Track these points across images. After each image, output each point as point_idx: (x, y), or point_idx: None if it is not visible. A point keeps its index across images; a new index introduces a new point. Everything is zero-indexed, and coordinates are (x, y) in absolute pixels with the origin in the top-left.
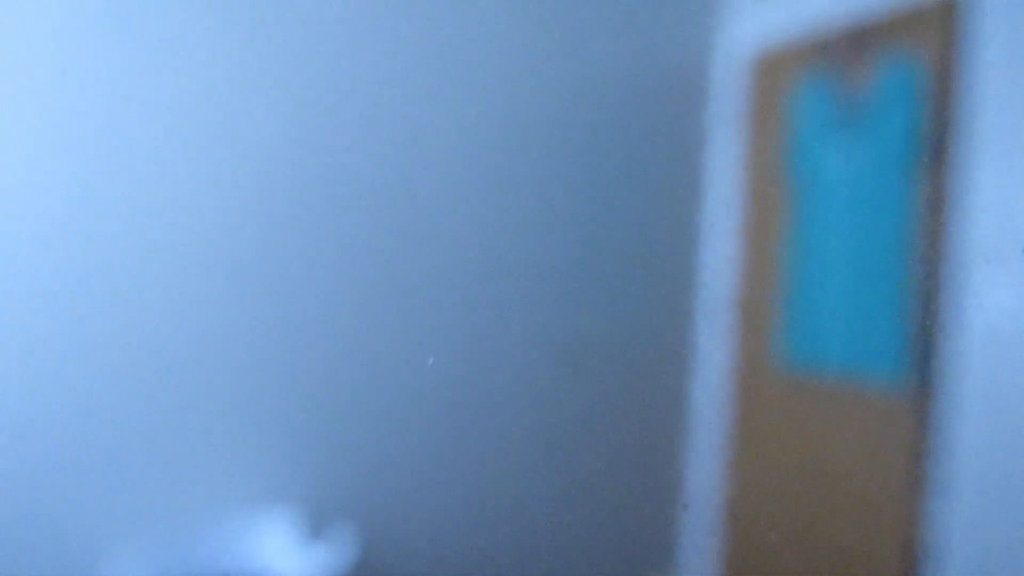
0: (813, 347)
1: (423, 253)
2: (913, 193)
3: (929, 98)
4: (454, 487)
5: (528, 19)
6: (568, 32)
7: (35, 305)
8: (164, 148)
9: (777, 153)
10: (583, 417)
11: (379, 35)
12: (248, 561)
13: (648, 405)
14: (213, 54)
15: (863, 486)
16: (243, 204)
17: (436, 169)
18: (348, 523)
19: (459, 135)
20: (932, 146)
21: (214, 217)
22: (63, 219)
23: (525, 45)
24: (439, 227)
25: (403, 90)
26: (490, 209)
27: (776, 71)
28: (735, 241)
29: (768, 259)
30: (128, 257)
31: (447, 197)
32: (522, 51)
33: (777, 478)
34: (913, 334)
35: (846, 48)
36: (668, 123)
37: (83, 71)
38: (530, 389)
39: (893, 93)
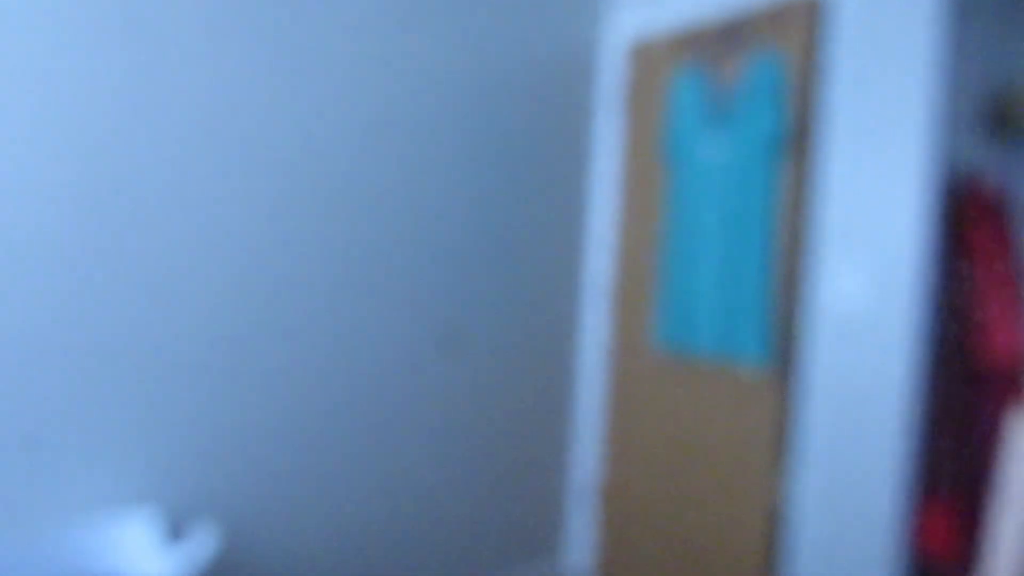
0: (685, 330)
1: (294, 239)
2: (776, 183)
3: (792, 92)
4: (325, 480)
5: (427, 11)
6: (460, 25)
7: None
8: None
9: (654, 141)
10: (465, 404)
11: (280, 23)
12: (108, 562)
13: (533, 390)
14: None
15: (730, 458)
16: (93, 198)
17: (322, 157)
18: (210, 522)
19: (356, 123)
20: (794, 138)
21: (66, 216)
22: None
23: (420, 37)
24: (315, 211)
25: (298, 77)
26: (375, 194)
27: (653, 62)
28: (615, 226)
29: (644, 244)
30: None
31: (332, 185)
32: (418, 43)
33: (651, 454)
34: (775, 318)
35: (717, 42)
36: (554, 113)
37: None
38: (412, 377)
39: (759, 86)
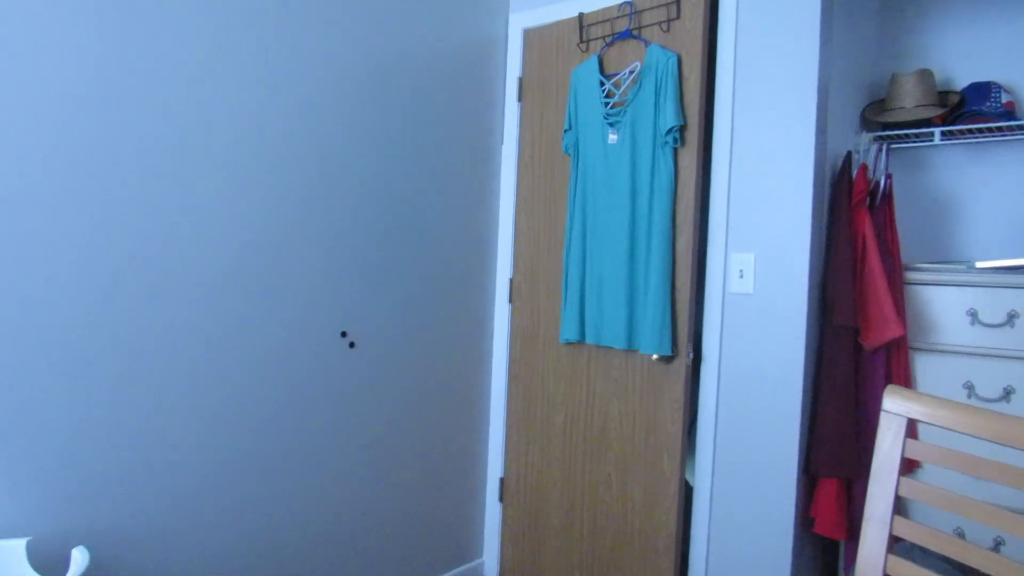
0: (591, 320)
1: (182, 233)
2: (673, 171)
3: (687, 82)
4: (224, 497)
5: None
6: (359, 13)
7: None
8: None
9: (555, 131)
10: (377, 407)
11: (170, 11)
12: None
13: (446, 390)
14: None
15: (640, 442)
16: None
17: (218, 149)
18: (88, 552)
19: (255, 117)
20: (689, 128)
21: None
22: None
23: (319, 26)
24: (205, 203)
25: (191, 70)
26: (276, 189)
27: (552, 50)
28: (522, 218)
29: (549, 237)
30: None
31: (228, 177)
32: (318, 33)
33: (561, 446)
34: (677, 302)
35: (614, 31)
36: (460, 102)
37: None
38: (321, 382)
39: (655, 76)
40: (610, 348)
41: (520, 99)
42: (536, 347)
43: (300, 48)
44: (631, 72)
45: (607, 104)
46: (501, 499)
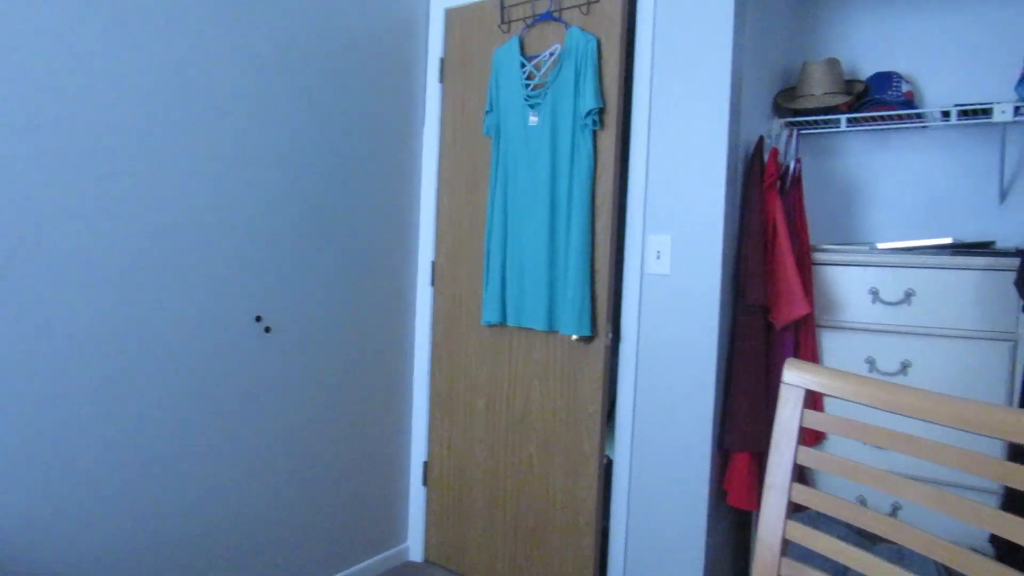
0: (512, 303)
1: (83, 214)
2: (593, 154)
3: (606, 65)
4: (137, 486)
5: None
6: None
7: None
8: None
9: (477, 113)
10: (297, 392)
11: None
12: None
13: (368, 374)
14: None
15: (561, 422)
16: None
17: (126, 129)
18: None
19: (165, 98)
20: (609, 111)
21: None
22: None
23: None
24: (112, 184)
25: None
26: (192, 173)
27: (473, 30)
28: (444, 200)
29: (471, 218)
30: None
31: (138, 159)
32: (232, 12)
33: (484, 429)
34: (597, 285)
35: (535, 12)
36: (381, 83)
37: None
38: (237, 369)
39: (575, 59)
40: (531, 330)
41: (442, 80)
42: (459, 330)
43: (207, 28)
44: (551, 54)
45: (528, 86)
46: (425, 483)
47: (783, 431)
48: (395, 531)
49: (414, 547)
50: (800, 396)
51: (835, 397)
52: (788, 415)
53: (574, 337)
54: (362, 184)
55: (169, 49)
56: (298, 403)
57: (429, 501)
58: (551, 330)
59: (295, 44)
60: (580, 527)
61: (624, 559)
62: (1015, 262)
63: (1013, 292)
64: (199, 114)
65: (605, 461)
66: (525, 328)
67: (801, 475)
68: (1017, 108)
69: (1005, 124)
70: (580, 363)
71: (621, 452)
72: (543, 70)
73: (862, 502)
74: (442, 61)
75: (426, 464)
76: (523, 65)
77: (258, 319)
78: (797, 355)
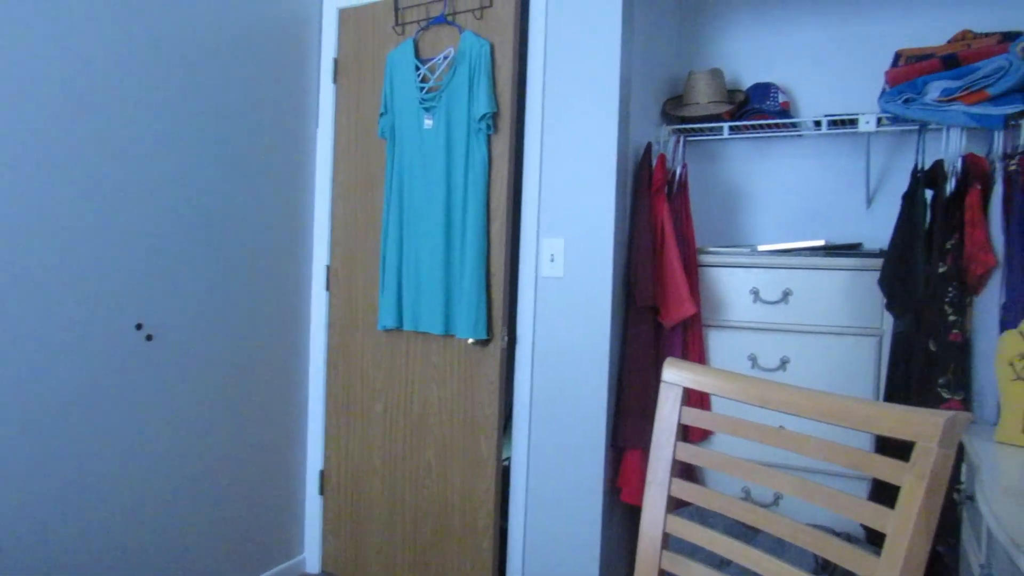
0: (408, 308)
1: None
2: (488, 158)
3: (499, 70)
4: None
5: None
6: None
7: None
8: None
9: (371, 114)
10: (185, 402)
11: None
12: None
13: (261, 382)
14: None
15: (458, 426)
16: None
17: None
18: None
19: (39, 92)
20: (503, 115)
21: None
22: None
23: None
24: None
25: None
26: (68, 172)
27: (367, 31)
28: (338, 203)
29: (367, 222)
30: None
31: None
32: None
33: (381, 435)
34: (492, 287)
35: (429, 15)
36: (273, 83)
37: None
38: (118, 378)
39: (469, 62)
40: (428, 334)
41: (336, 81)
42: (355, 335)
43: (84, 24)
44: (445, 57)
45: (422, 89)
46: (321, 491)
47: (663, 428)
48: (291, 542)
49: (311, 558)
50: (679, 394)
51: (711, 394)
52: (668, 412)
53: (470, 340)
54: (253, 186)
55: (43, 44)
56: (185, 414)
57: (326, 510)
58: (448, 334)
59: (180, 40)
60: (479, 529)
61: (523, 559)
62: (879, 262)
63: (878, 290)
64: (75, 112)
65: (503, 463)
66: (422, 332)
67: (691, 472)
68: (880, 119)
69: (870, 134)
70: (477, 366)
71: (518, 453)
72: (437, 73)
73: (747, 494)
74: (336, 62)
75: (322, 472)
76: (417, 68)
77: (139, 327)
78: (685, 354)
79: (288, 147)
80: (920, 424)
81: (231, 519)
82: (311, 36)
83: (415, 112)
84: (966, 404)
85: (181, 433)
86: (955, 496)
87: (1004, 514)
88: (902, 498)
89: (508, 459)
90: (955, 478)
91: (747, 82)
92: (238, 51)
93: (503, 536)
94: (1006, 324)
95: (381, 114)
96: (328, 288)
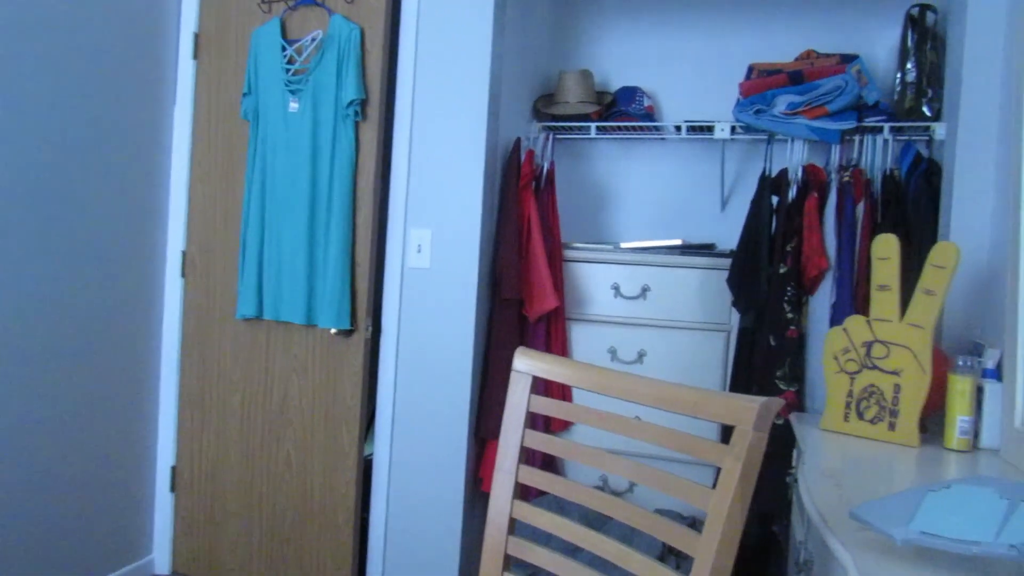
0: (269, 299)
1: None
2: (354, 146)
3: (369, 57)
4: None
5: None
6: None
7: None
8: None
9: (234, 96)
10: (25, 396)
11: None
12: None
13: (110, 374)
14: None
15: (320, 419)
16: None
17: None
18: None
19: None
20: (371, 103)
21: None
22: None
23: None
24: None
25: None
26: None
27: (234, 6)
28: (197, 188)
29: (227, 208)
30: None
31: None
32: None
33: (239, 431)
34: (357, 279)
35: None
36: (128, 60)
37: None
38: None
39: (337, 47)
40: (290, 324)
41: (196, 57)
42: (212, 324)
43: None
44: (313, 39)
45: (288, 71)
46: (173, 488)
47: (512, 416)
48: (139, 543)
49: (160, 559)
50: (528, 382)
51: (566, 384)
52: (517, 400)
53: (333, 331)
54: (100, 167)
55: None
56: (21, 409)
57: (178, 508)
58: (310, 324)
59: (11, 7)
60: (339, 523)
61: (384, 551)
62: (728, 262)
63: (727, 288)
64: None
65: (368, 456)
66: (283, 322)
67: (551, 462)
68: (734, 128)
69: (724, 141)
70: (340, 357)
71: (381, 444)
72: (304, 55)
73: (604, 482)
74: (196, 36)
75: (174, 468)
76: (284, 49)
77: None
78: (549, 346)
79: (141, 126)
80: (738, 409)
81: (72, 520)
82: (169, 7)
83: (280, 94)
84: (800, 395)
85: (18, 430)
86: (787, 479)
87: (818, 493)
88: (722, 478)
89: (372, 453)
90: (789, 463)
91: (615, 84)
92: (83, 20)
93: (365, 529)
94: (835, 322)
95: (244, 94)
96: (184, 275)
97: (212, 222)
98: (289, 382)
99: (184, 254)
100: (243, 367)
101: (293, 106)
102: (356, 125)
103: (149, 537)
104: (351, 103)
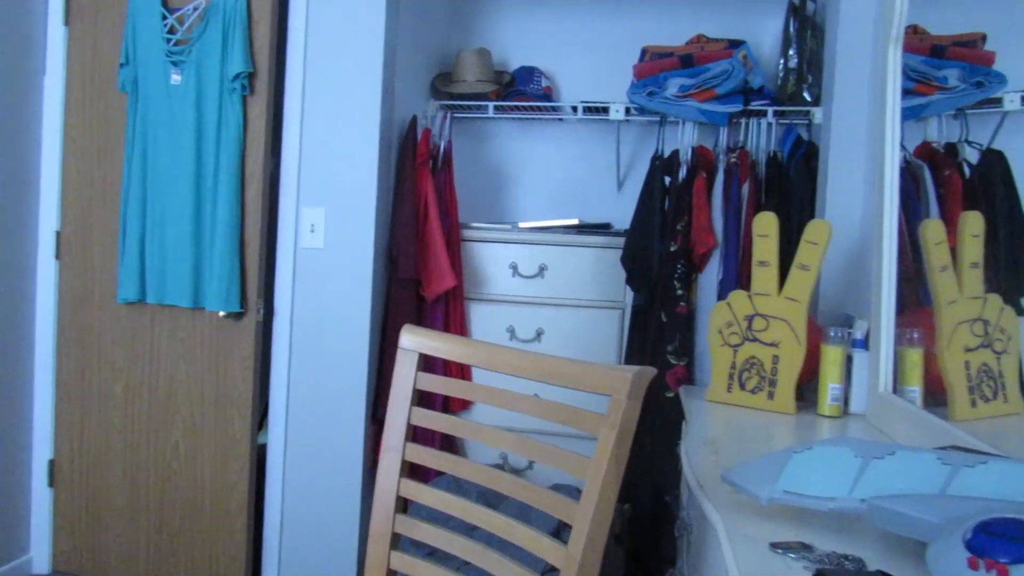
0: (152, 280)
1: None
2: (241, 121)
3: (260, 31)
4: None
5: None
6: None
7: None
8: None
9: (112, 66)
10: None
11: None
12: None
13: None
14: None
15: (210, 405)
16: None
17: None
18: None
19: None
20: (260, 77)
21: None
22: None
23: None
24: None
25: None
26: None
27: None
28: (71, 164)
29: (105, 186)
30: None
31: None
32: None
33: (123, 419)
34: (246, 259)
35: None
36: None
37: None
38: None
39: (222, 16)
40: (175, 307)
41: (67, 23)
42: (91, 309)
43: None
44: (196, 8)
45: (170, 41)
46: (51, 483)
47: (398, 393)
48: (14, 541)
49: (39, 557)
50: (415, 359)
51: (453, 361)
52: (403, 378)
53: (222, 314)
54: None
55: None
56: None
57: (57, 504)
58: (197, 306)
59: None
60: (232, 512)
61: (280, 539)
62: (623, 241)
63: (621, 267)
64: None
65: (260, 442)
66: (168, 305)
67: (453, 443)
68: (628, 109)
69: (619, 122)
70: (230, 341)
71: (276, 429)
72: (187, 24)
73: (504, 459)
74: (67, 0)
75: (52, 462)
76: (164, 17)
77: None
78: (447, 326)
79: (3, 93)
80: (614, 380)
81: None
82: None
83: (161, 65)
84: (689, 369)
85: None
86: (677, 450)
87: (697, 460)
88: (598, 447)
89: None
90: (679, 433)
91: (514, 64)
92: None
93: (260, 518)
94: (722, 297)
95: (121, 64)
96: (58, 256)
97: (89, 200)
98: (176, 368)
99: (58, 234)
100: (126, 354)
101: (175, 78)
102: (244, 99)
103: (26, 535)
104: (238, 76)
